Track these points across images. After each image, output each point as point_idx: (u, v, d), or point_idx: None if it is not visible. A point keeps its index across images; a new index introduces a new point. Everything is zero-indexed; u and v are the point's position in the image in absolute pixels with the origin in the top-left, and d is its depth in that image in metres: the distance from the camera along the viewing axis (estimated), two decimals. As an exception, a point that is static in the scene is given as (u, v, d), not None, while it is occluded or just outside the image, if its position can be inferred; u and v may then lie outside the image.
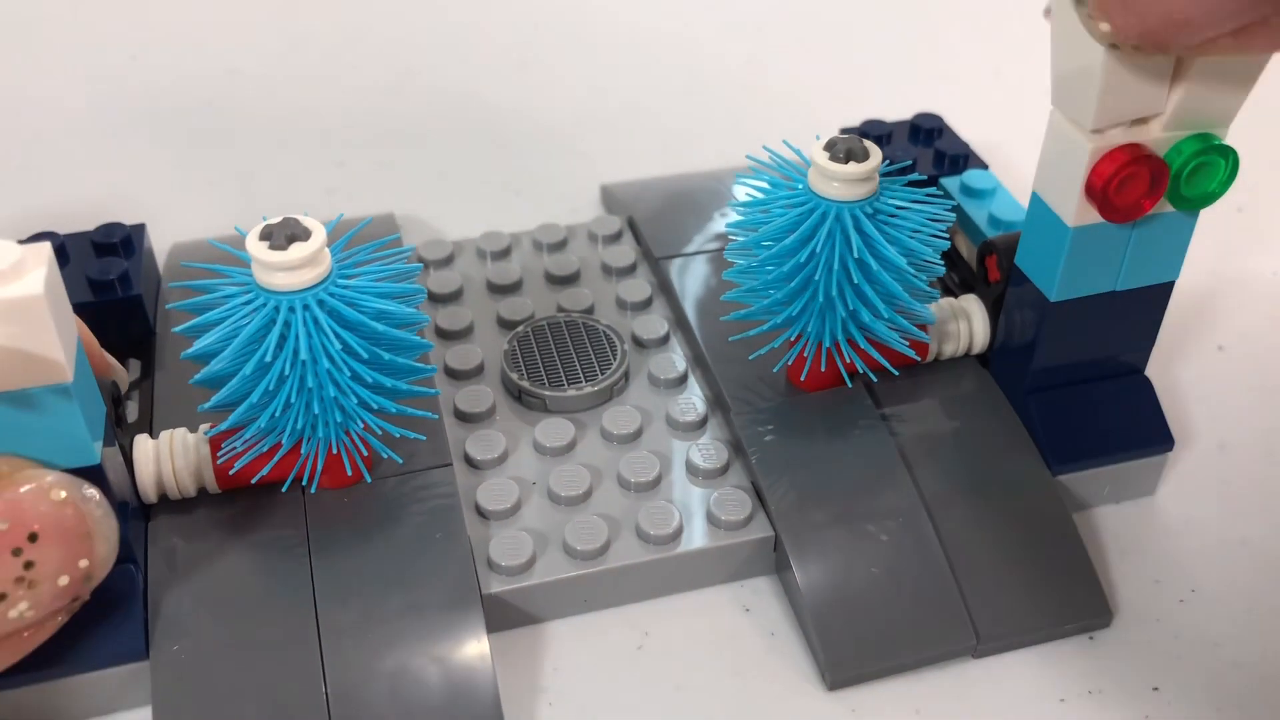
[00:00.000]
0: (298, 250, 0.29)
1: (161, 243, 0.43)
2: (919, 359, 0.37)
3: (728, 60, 0.60)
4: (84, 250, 0.39)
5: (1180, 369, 0.42)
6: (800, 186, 0.34)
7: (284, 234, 0.30)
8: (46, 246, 0.28)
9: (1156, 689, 0.33)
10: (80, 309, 0.37)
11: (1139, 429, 0.37)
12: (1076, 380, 0.37)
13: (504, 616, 0.34)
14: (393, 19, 0.64)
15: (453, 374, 0.39)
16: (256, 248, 0.30)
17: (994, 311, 0.37)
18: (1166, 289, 0.35)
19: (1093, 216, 0.32)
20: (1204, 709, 0.32)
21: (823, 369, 0.36)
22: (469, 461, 0.36)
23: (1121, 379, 0.37)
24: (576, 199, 0.50)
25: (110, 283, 0.38)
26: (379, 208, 0.47)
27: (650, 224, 0.45)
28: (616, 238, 0.45)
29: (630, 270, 0.43)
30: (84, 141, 0.54)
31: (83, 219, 0.42)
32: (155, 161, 0.53)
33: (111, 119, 0.55)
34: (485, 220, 0.47)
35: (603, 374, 0.38)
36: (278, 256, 0.29)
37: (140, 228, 0.41)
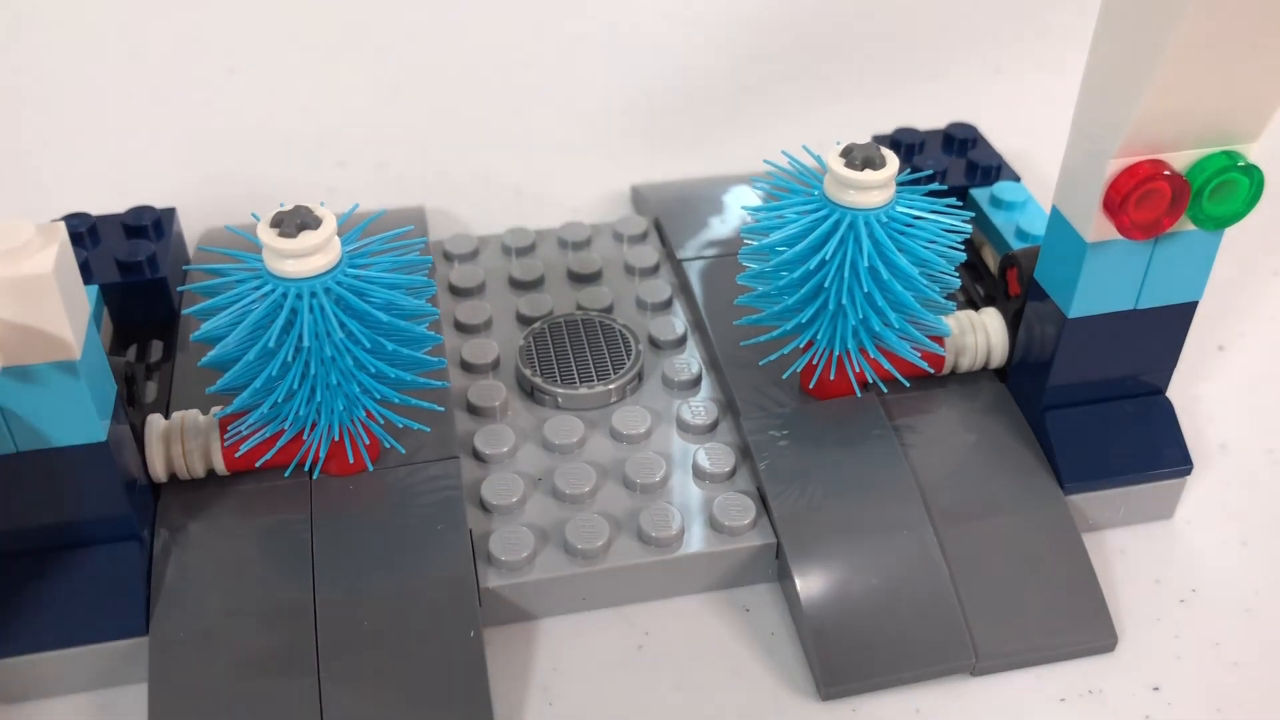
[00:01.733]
0: (307, 238, 0.30)
1: (194, 229, 0.44)
2: (931, 370, 0.36)
3: (765, 63, 0.60)
4: (115, 232, 0.40)
5: (1181, 370, 0.41)
6: (816, 192, 0.34)
7: (294, 222, 0.30)
8: (60, 227, 0.28)
9: (1157, 689, 0.32)
10: (107, 289, 0.38)
11: (1156, 450, 0.36)
12: (1095, 398, 0.36)
13: (501, 611, 0.34)
14: (434, 13, 0.64)
15: (467, 367, 0.39)
16: (267, 234, 0.30)
17: (1014, 325, 0.37)
18: (1189, 309, 0.34)
19: (1111, 232, 0.32)
20: (1204, 709, 0.32)
21: (832, 377, 0.36)
22: (476, 455, 0.36)
23: (1141, 399, 0.36)
24: (608, 199, 0.50)
25: (138, 264, 0.39)
26: (414, 201, 0.48)
27: (675, 225, 0.44)
28: (642, 238, 0.45)
29: (653, 271, 0.43)
30: (115, 131, 0.55)
31: (118, 203, 0.42)
32: (189, 148, 0.54)
33: (140, 110, 0.56)
34: (517, 217, 0.47)
35: (616, 373, 0.38)
36: (287, 244, 0.30)
37: (170, 212, 0.41)
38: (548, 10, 0.64)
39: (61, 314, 0.28)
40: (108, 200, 0.46)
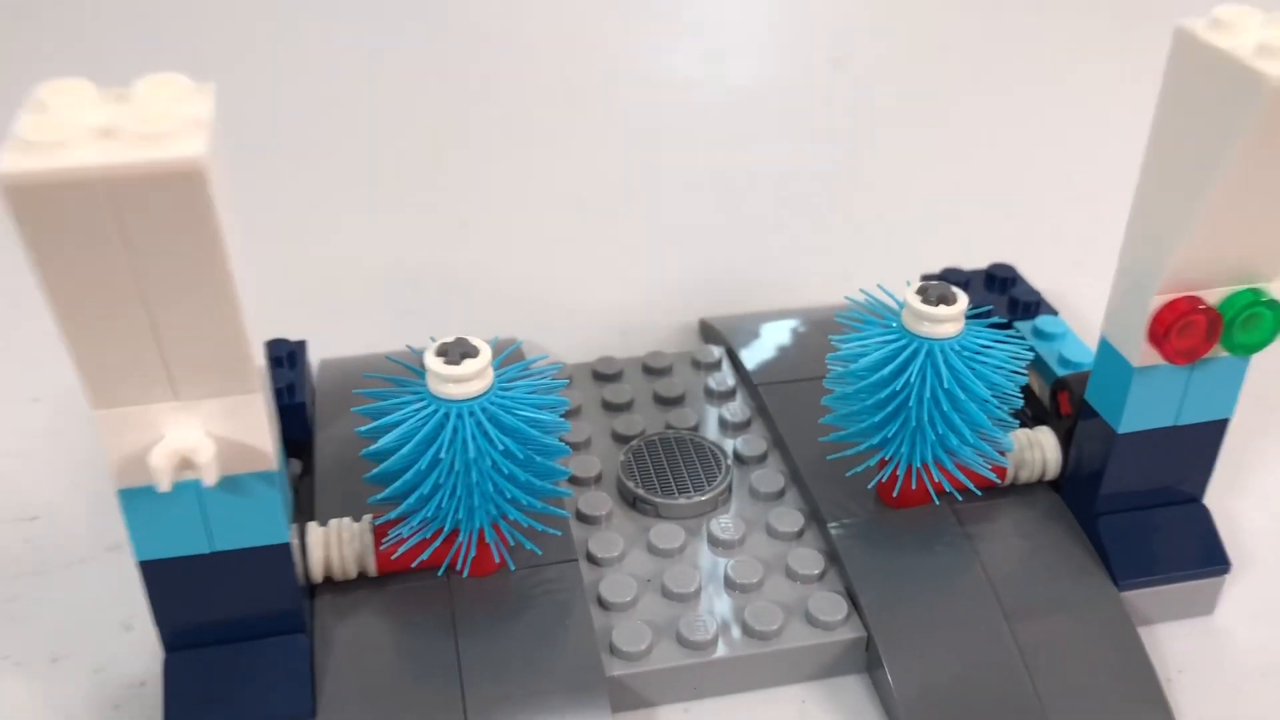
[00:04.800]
0: (469, 365, 0.34)
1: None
2: (999, 481, 0.41)
3: (813, 210, 0.66)
4: (255, 361, 0.45)
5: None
6: (894, 324, 0.39)
7: (458, 351, 0.35)
8: (261, 350, 0.33)
9: None
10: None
11: (1197, 551, 0.40)
12: (1141, 506, 0.41)
13: (621, 699, 0.37)
14: (500, 157, 0.71)
15: (575, 481, 0.43)
16: (434, 362, 0.35)
17: (1065, 442, 0.42)
18: (1222, 425, 0.39)
19: (1155, 358, 0.37)
20: None
21: (914, 487, 0.40)
22: (590, 558, 0.40)
23: (1181, 505, 0.41)
24: (679, 332, 0.55)
25: (280, 391, 0.43)
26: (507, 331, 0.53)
27: (748, 354, 0.49)
28: (716, 365, 0.50)
29: (730, 394, 0.48)
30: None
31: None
32: (278, 280, 0.59)
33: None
34: (593, 349, 0.52)
35: (709, 485, 0.43)
36: (453, 369, 0.34)
37: (302, 344, 0.46)
38: (604, 160, 0.70)
39: (266, 430, 0.32)
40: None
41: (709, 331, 0.53)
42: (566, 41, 0.89)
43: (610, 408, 0.47)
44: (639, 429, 0.46)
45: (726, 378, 0.49)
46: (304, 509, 0.42)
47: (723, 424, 0.47)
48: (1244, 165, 0.32)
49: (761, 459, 0.45)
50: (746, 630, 0.38)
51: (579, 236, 0.64)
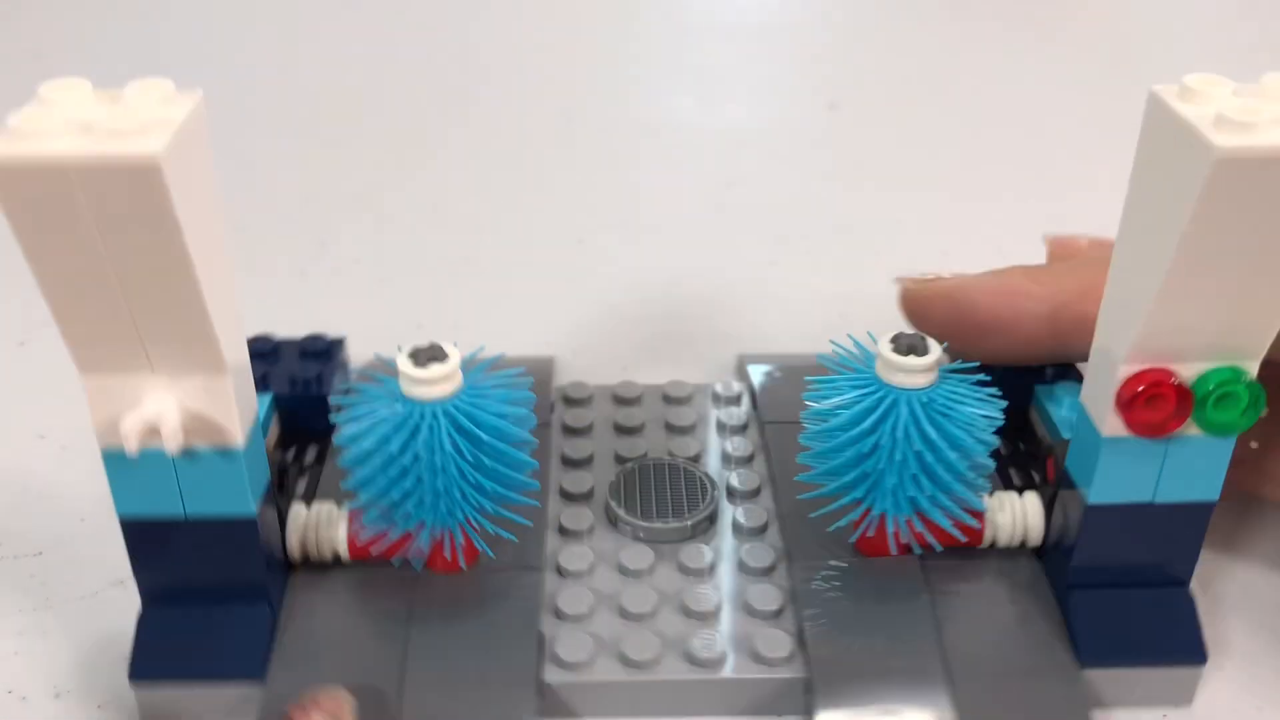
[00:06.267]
0: (435, 369, 0.37)
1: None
2: (965, 540, 0.40)
3: (828, 252, 0.67)
4: (293, 353, 0.48)
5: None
6: (867, 374, 0.39)
7: (428, 355, 0.37)
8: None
9: None
10: (279, 399, 0.46)
11: (1172, 639, 0.38)
12: (1120, 583, 0.39)
13: (557, 706, 0.39)
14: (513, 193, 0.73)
15: (565, 495, 0.45)
16: (404, 364, 0.37)
17: (1049, 509, 0.41)
18: (1207, 508, 0.38)
19: (1123, 429, 0.36)
20: None
21: (871, 534, 0.40)
22: (559, 570, 0.42)
23: (1164, 588, 0.39)
24: (717, 365, 0.56)
25: (306, 381, 0.46)
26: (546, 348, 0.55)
27: (766, 393, 0.50)
28: (735, 400, 0.50)
29: (741, 429, 0.49)
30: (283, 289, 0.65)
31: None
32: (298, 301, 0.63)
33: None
34: (635, 373, 0.54)
35: (690, 513, 0.43)
36: (420, 372, 0.37)
37: (340, 340, 0.49)
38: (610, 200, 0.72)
39: (233, 411, 0.35)
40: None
41: (742, 368, 0.54)
42: (570, 87, 0.91)
43: (620, 430, 0.49)
44: (640, 452, 0.47)
45: (741, 413, 0.49)
46: (310, 492, 0.45)
47: (725, 457, 0.47)
48: (1199, 235, 0.31)
49: (753, 494, 0.45)
50: (688, 656, 0.39)
51: (580, 272, 0.65)
